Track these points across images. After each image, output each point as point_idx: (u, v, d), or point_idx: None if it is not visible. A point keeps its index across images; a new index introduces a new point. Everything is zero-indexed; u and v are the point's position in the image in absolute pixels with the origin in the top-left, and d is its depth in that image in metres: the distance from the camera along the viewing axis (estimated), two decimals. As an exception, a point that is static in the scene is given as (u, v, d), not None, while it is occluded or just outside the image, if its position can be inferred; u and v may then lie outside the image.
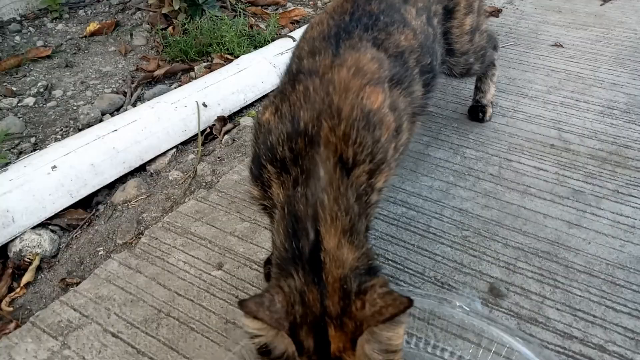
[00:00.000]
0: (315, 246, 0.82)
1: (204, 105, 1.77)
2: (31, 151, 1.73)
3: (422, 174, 1.54)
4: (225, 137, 1.76)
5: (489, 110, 1.78)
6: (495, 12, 2.60)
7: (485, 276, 1.22)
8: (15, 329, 1.15)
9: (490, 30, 1.66)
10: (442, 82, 1.79)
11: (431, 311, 1.09)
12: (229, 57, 2.22)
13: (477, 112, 1.78)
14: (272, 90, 2.02)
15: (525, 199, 1.44)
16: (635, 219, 1.37)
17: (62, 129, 1.87)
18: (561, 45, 2.30)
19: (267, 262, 1.23)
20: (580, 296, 1.17)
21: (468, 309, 1.08)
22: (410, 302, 0.72)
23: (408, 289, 1.18)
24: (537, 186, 1.49)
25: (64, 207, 1.44)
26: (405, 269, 1.24)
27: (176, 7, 2.40)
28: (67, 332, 1.13)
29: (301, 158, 0.90)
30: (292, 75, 1.05)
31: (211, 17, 2.45)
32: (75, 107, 1.98)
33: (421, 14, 1.28)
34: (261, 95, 1.97)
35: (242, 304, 0.74)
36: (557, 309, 1.13)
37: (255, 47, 2.28)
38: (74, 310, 1.18)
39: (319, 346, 0.75)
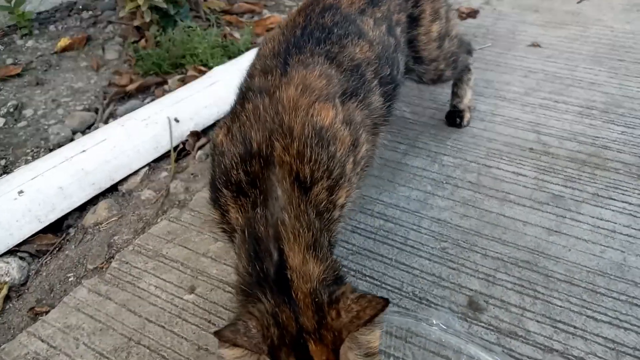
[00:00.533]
0: (280, 265, 0.81)
1: (176, 120, 1.73)
2: (1, 174, 1.69)
3: (400, 184, 1.52)
4: (199, 152, 1.72)
5: (467, 115, 1.76)
6: (472, 13, 2.58)
7: (464, 289, 1.19)
8: (-21, 365, 1.11)
9: (461, 35, 1.63)
10: (416, 88, 1.76)
11: (408, 329, 1.07)
12: (203, 68, 2.18)
13: (454, 118, 1.75)
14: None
15: (504, 206, 1.42)
16: (615, 223, 1.35)
17: (32, 150, 1.82)
18: (539, 45, 2.29)
19: None
20: (560, 307, 1.14)
21: (445, 327, 1.05)
22: (386, 302, 0.74)
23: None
24: (516, 192, 1.47)
25: (33, 232, 1.40)
26: (383, 285, 1.21)
27: (147, 19, 2.36)
28: (33, 366, 1.09)
29: (257, 180, 0.89)
30: (242, 94, 1.04)
31: (184, 28, 2.41)
32: (46, 127, 1.93)
33: (380, 24, 1.26)
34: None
35: (218, 333, 0.73)
36: (537, 321, 1.11)
37: (230, 58, 2.24)
38: (42, 341, 1.14)
39: None
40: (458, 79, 1.72)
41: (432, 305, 1.16)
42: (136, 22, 2.46)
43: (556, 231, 1.34)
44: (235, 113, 1.00)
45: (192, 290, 1.22)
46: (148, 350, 1.10)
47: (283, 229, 0.83)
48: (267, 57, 1.09)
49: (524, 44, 2.32)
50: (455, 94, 1.76)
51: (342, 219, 0.99)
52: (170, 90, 2.08)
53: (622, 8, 2.70)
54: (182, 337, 1.12)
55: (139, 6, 2.36)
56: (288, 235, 0.83)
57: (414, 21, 1.40)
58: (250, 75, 1.10)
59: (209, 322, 1.15)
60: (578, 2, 2.76)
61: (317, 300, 0.78)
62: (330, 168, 0.92)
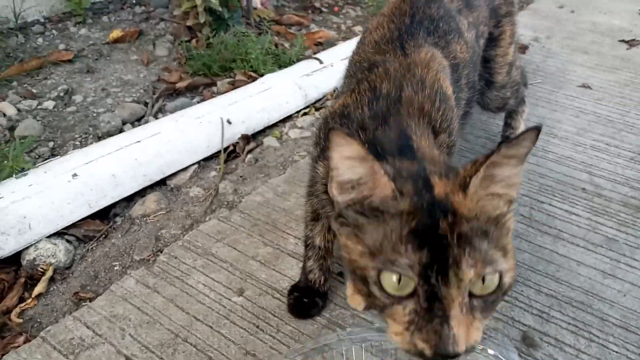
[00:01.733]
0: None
1: (229, 122, 1.73)
2: (49, 156, 1.69)
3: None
4: (249, 156, 1.72)
5: None
6: (522, 49, 2.58)
7: (518, 323, 1.16)
8: (24, 342, 1.10)
9: (522, 66, 1.63)
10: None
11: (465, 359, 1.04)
12: (253, 74, 2.19)
13: None
14: (297, 112, 1.99)
15: (557, 244, 1.39)
16: (671, 273, 1.32)
17: (81, 135, 1.83)
18: (589, 87, 2.28)
19: (291, 291, 1.18)
20: (616, 352, 1.11)
21: (503, 359, 1.02)
22: (538, 130, 0.66)
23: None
24: (569, 231, 1.44)
25: (82, 217, 1.39)
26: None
27: (202, 21, 2.38)
28: (78, 351, 1.07)
29: (383, 114, 0.89)
30: (363, 69, 1.04)
31: (236, 33, 2.43)
32: (95, 114, 1.94)
33: (471, 29, 1.26)
34: (285, 116, 1.94)
35: (334, 127, 0.67)
36: (595, 365, 1.08)
37: (280, 67, 2.25)
38: (87, 327, 1.12)
39: (420, 189, 0.69)
40: (513, 111, 1.71)
41: (485, 337, 1.13)
42: (189, 22, 2.48)
43: (610, 274, 1.31)
44: (355, 83, 1.00)
45: (241, 292, 1.20)
46: (195, 349, 1.08)
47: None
48: (378, 42, 1.09)
49: (574, 84, 2.31)
50: (508, 125, 1.75)
51: None
52: (218, 92, 2.09)
53: (671, 59, 2.69)
54: (230, 340, 1.10)
55: (194, 6, 2.39)
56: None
57: (493, 41, 1.41)
58: (364, 57, 1.09)
59: (257, 327, 1.13)
60: (628, 49, 2.76)
61: None
62: (451, 128, 0.93)
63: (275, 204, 1.49)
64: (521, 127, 1.74)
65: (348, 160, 0.68)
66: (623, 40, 2.87)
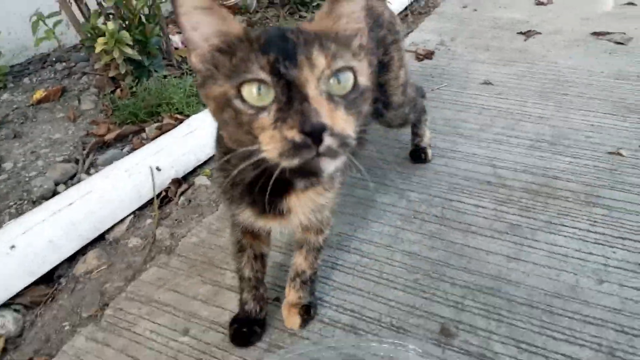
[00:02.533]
0: None
1: (158, 169, 1.83)
2: (-14, 229, 1.73)
3: (372, 220, 1.64)
4: (181, 198, 1.81)
5: (429, 152, 1.91)
6: (429, 55, 2.78)
7: (436, 317, 1.31)
8: (-17, 418, 1.16)
9: (415, 81, 1.80)
10: (381, 129, 1.91)
11: (388, 356, 1.17)
12: (179, 116, 2.28)
13: (419, 154, 1.90)
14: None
15: (467, 237, 1.56)
16: (568, 248, 1.50)
17: (15, 202, 1.87)
18: (491, 83, 2.48)
19: (231, 323, 1.29)
20: (523, 328, 1.27)
21: (421, 351, 1.16)
22: None
23: (367, 336, 1.26)
24: (477, 223, 1.61)
25: (26, 285, 1.46)
26: (363, 317, 1.31)
27: (122, 71, 2.45)
28: (37, 415, 1.14)
29: None
30: None
31: (159, 77, 2.52)
32: (27, 179, 1.99)
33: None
34: (213, 155, 2.04)
35: None
36: (503, 343, 1.23)
37: (204, 105, 2.35)
38: (43, 391, 1.19)
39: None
40: (417, 120, 1.88)
41: (409, 333, 1.27)
42: (111, 73, 2.54)
43: (515, 258, 1.48)
44: None
45: (186, 332, 1.30)
46: (148, 393, 1.17)
47: None
48: None
49: (477, 82, 2.51)
50: (415, 134, 1.92)
51: None
52: (147, 138, 2.17)
53: (564, 44, 2.95)
54: (179, 378, 1.20)
55: (113, 58, 2.46)
56: None
57: (384, 67, 1.54)
58: None
59: (204, 362, 1.23)
60: (525, 40, 3.00)
61: None
62: None
63: (210, 242, 1.60)
64: (427, 133, 1.91)
65: (200, 15, 0.79)
66: (521, 32, 3.11)
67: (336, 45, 0.79)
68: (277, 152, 0.73)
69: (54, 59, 2.94)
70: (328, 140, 0.71)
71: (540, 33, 3.12)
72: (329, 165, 0.76)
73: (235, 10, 3.75)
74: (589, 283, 1.39)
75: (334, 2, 0.84)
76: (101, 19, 2.43)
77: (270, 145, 0.73)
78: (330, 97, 0.76)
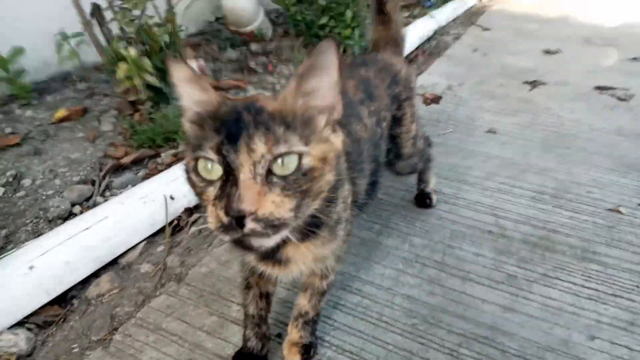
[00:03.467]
0: None
1: (171, 198, 1.90)
2: (4, 244, 1.80)
3: (375, 261, 1.71)
4: (192, 228, 1.89)
5: (434, 197, 1.98)
6: (436, 99, 2.87)
7: (432, 363, 1.37)
8: None
9: (425, 133, 1.88)
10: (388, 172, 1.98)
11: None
12: (194, 144, 2.36)
13: (424, 200, 1.98)
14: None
15: (465, 285, 1.62)
16: (562, 302, 1.56)
17: (32, 220, 1.94)
18: (495, 132, 2.56)
19: (235, 357, 1.35)
20: (514, 379, 1.33)
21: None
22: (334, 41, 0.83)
23: (364, 378, 1.31)
24: (476, 272, 1.67)
25: (41, 304, 1.52)
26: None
27: (143, 98, 2.55)
28: None
29: None
30: None
31: (176, 105, 2.61)
32: (44, 197, 2.06)
33: (372, 116, 1.47)
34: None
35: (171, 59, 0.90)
36: (494, 393, 1.28)
37: (219, 135, 2.43)
38: (52, 411, 1.25)
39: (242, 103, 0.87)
40: (424, 168, 1.95)
41: (404, 377, 1.33)
42: (131, 98, 2.64)
43: (510, 309, 1.54)
44: None
45: (191, 362, 1.36)
46: (152, 419, 1.22)
47: None
48: None
49: (482, 130, 2.59)
50: (421, 180, 2.00)
51: None
52: (162, 163, 2.26)
53: (568, 97, 3.04)
54: (183, 407, 1.25)
55: (134, 85, 2.55)
56: None
57: (397, 121, 1.63)
58: None
59: (207, 392, 1.28)
60: (530, 90, 3.09)
61: None
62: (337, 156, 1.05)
63: (219, 273, 1.66)
64: (432, 179, 1.99)
65: (186, 86, 0.89)
66: (527, 82, 3.21)
67: (286, 129, 0.84)
68: (214, 226, 0.82)
69: (75, 78, 3.04)
70: (250, 225, 0.79)
71: (545, 84, 3.22)
72: (261, 243, 0.84)
73: (251, 37, 3.86)
74: (581, 338, 1.44)
75: (299, 79, 0.87)
76: (122, 43, 2.53)
77: (210, 218, 0.82)
78: (268, 178, 0.82)
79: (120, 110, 2.70)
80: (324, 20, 3.71)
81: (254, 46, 3.78)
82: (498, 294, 1.59)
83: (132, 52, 2.44)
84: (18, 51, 2.64)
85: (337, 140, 0.94)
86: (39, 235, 1.81)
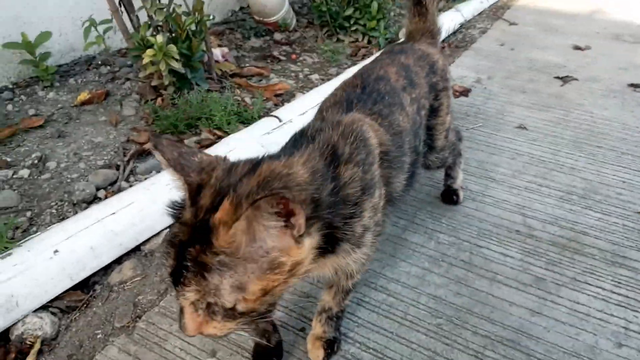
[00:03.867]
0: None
1: (196, 185, 1.88)
2: (28, 226, 1.81)
3: (400, 259, 1.68)
4: (216, 217, 1.87)
5: (461, 194, 1.95)
6: (465, 92, 2.82)
7: (458, 364, 1.34)
8: (18, 417, 1.22)
9: (456, 126, 1.84)
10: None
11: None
12: (217, 132, 2.35)
13: (450, 196, 1.94)
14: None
15: (493, 286, 1.58)
16: (590, 307, 1.52)
17: (57, 203, 1.95)
18: (525, 128, 2.51)
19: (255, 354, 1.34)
20: (541, 384, 1.30)
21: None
22: (283, 197, 0.76)
23: (388, 377, 1.29)
24: (503, 273, 1.63)
25: (65, 289, 1.52)
26: (385, 357, 1.35)
27: (166, 82, 2.53)
28: (69, 421, 1.20)
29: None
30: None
31: (200, 91, 2.59)
32: (69, 180, 2.07)
33: (413, 103, 1.45)
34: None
35: (156, 137, 0.91)
36: (522, 399, 1.26)
37: (243, 123, 2.42)
38: (75, 397, 1.25)
39: (208, 209, 0.83)
40: (453, 163, 1.92)
41: (429, 378, 1.31)
42: (154, 82, 2.63)
43: (538, 312, 1.50)
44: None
45: (213, 354, 1.35)
46: (174, 410, 1.22)
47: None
48: (331, 106, 1.30)
49: (511, 125, 2.54)
50: (449, 175, 1.96)
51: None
52: (185, 151, 2.24)
53: (601, 93, 2.97)
54: (205, 399, 1.25)
55: (158, 70, 2.54)
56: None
57: (434, 111, 1.60)
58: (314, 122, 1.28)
59: (230, 385, 1.28)
60: (561, 85, 3.02)
61: (269, 182, 0.86)
62: (365, 167, 1.06)
63: (242, 264, 1.65)
64: (460, 175, 1.95)
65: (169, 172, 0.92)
66: (558, 77, 3.13)
67: (221, 274, 0.81)
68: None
69: (99, 62, 3.04)
70: (207, 333, 0.88)
71: (577, 79, 3.14)
72: None
73: (275, 27, 3.83)
74: (608, 345, 1.41)
75: (247, 218, 0.78)
76: (150, 31, 2.52)
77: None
78: (209, 308, 0.86)
79: (143, 95, 2.69)
80: (349, 11, 3.67)
81: (277, 35, 3.75)
82: (526, 296, 1.55)
83: (160, 39, 2.42)
84: (45, 35, 2.64)
85: (301, 250, 0.86)
86: (63, 219, 1.82)
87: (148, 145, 0.94)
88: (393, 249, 1.72)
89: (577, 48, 3.72)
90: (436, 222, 1.85)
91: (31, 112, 2.51)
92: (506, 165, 2.21)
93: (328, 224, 0.95)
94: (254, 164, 0.92)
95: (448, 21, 3.88)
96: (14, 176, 2.08)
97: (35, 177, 2.09)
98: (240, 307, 0.84)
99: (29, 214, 1.88)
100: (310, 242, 0.90)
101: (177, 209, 0.93)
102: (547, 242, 1.78)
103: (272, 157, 0.97)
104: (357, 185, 1.03)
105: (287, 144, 1.12)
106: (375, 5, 3.52)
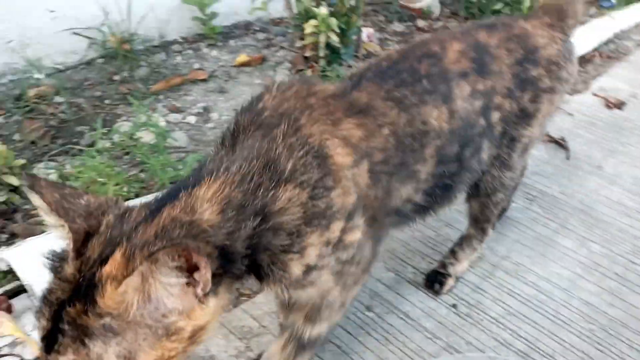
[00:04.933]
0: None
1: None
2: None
3: (551, 259, 1.67)
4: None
5: (448, 285, 1.52)
6: (620, 105, 2.69)
7: (611, 373, 1.33)
8: None
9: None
10: (565, 170, 1.90)
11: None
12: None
13: (434, 279, 1.52)
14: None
15: (649, 305, 1.54)
16: None
17: (218, 151, 2.11)
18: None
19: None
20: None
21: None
22: (186, 248, 0.64)
23: (540, 369, 1.31)
24: (661, 293, 1.58)
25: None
26: (537, 349, 1.37)
27: (321, 54, 2.63)
28: None
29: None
30: None
31: (348, 65, 2.68)
32: (229, 132, 2.22)
33: (475, 98, 1.12)
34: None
35: (30, 175, 0.74)
36: (682, 420, 1.23)
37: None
38: (244, 325, 1.38)
39: (96, 262, 0.69)
40: (508, 203, 1.75)
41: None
42: (307, 53, 2.75)
43: (698, 339, 1.45)
44: None
45: (369, 309, 1.43)
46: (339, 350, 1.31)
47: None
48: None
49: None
50: (453, 253, 1.57)
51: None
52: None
53: None
54: (366, 347, 1.33)
55: (315, 41, 2.65)
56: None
57: (526, 117, 1.23)
58: None
59: (387, 340, 1.35)
60: None
61: (170, 230, 0.72)
62: (315, 191, 0.85)
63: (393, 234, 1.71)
64: (464, 263, 1.55)
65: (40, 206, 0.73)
66: None
67: (107, 347, 0.66)
68: None
69: (256, 28, 3.21)
70: None
71: None
72: None
73: (419, 14, 3.83)
74: None
75: (142, 275, 0.66)
76: (312, 3, 2.62)
77: None
78: None
79: (294, 65, 2.81)
80: (498, 5, 3.60)
81: (420, 22, 3.75)
82: (685, 321, 1.50)
83: (323, 11, 2.52)
84: (216, -4, 2.83)
85: (205, 312, 0.72)
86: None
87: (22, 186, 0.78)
88: (543, 248, 1.71)
89: None
90: (589, 230, 1.81)
91: (196, 66, 2.72)
92: (665, 185, 2.11)
93: (252, 261, 0.81)
94: (152, 210, 0.76)
95: (601, 29, 3.71)
96: (183, 120, 2.28)
97: (201, 124, 2.28)
98: None
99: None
100: (217, 303, 0.75)
101: (56, 260, 0.73)
102: None
103: (170, 195, 0.79)
104: (297, 212, 0.82)
105: (202, 162, 0.92)
106: (527, 2, 3.41)
